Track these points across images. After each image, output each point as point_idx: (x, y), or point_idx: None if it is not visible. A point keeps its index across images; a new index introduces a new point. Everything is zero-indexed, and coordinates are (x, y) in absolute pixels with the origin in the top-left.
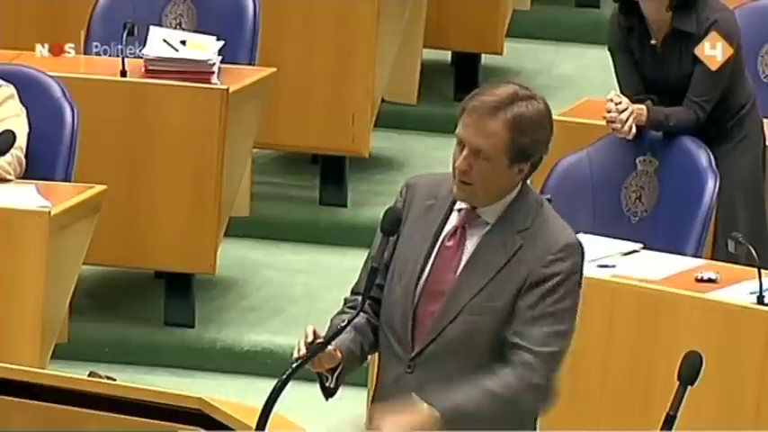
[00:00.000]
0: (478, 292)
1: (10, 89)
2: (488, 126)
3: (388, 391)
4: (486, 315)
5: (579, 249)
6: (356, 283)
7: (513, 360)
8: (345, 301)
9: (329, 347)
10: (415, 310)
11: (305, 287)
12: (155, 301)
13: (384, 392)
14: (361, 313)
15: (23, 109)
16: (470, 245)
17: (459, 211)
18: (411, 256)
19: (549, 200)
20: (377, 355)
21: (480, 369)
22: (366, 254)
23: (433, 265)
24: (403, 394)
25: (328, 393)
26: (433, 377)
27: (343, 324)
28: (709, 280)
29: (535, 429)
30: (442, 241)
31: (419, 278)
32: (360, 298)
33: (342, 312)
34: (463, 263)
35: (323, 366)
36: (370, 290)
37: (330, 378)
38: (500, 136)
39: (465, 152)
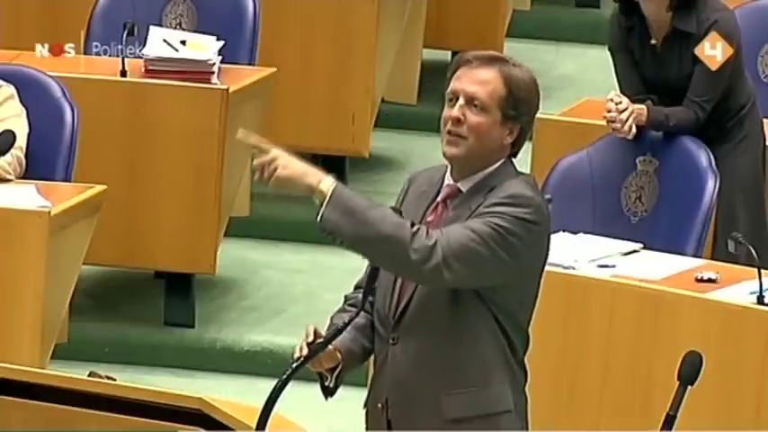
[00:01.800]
0: None
1: (10, 89)
2: (483, 74)
3: (379, 374)
4: None
5: (530, 201)
6: (361, 278)
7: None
8: (346, 298)
9: (329, 347)
10: (401, 291)
11: (305, 287)
12: (155, 301)
13: (375, 376)
14: (362, 312)
15: (23, 109)
16: (447, 215)
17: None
18: None
19: (550, 200)
20: None
21: (457, 329)
22: None
23: None
24: (394, 370)
25: (328, 393)
26: (416, 342)
27: (343, 324)
28: (710, 280)
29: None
30: (425, 218)
31: None
32: (360, 295)
33: (343, 311)
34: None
35: (323, 366)
36: (371, 287)
37: (330, 377)
38: (495, 84)
39: (459, 102)
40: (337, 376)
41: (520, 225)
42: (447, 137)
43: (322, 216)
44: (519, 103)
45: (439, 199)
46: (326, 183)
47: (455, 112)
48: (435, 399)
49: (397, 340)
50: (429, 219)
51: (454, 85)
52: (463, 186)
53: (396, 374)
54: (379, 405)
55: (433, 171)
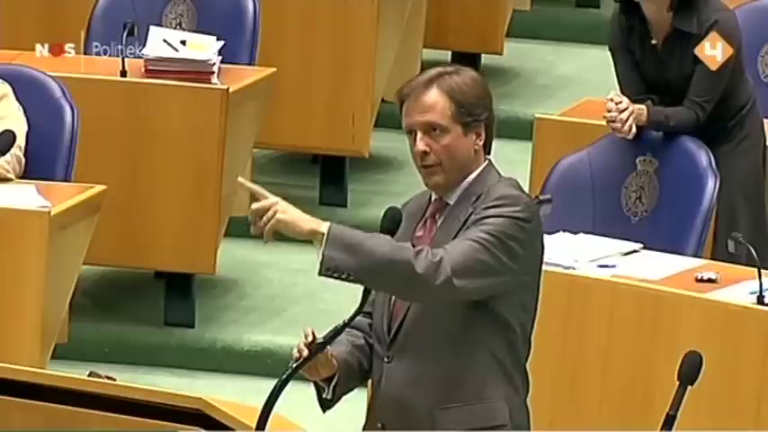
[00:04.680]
0: None
1: (6, 87)
2: (426, 100)
3: (376, 393)
4: None
5: (518, 200)
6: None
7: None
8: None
9: (327, 352)
10: (395, 309)
11: (305, 287)
12: (155, 301)
13: (373, 397)
14: (360, 333)
15: (20, 107)
16: (436, 229)
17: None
18: None
19: (550, 200)
20: None
21: (452, 343)
22: None
23: None
24: (389, 388)
25: (325, 405)
26: (410, 359)
27: (343, 323)
28: (709, 280)
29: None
30: (415, 234)
31: None
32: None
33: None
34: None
35: (319, 374)
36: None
37: (327, 389)
38: (441, 103)
39: (419, 135)
40: (334, 387)
41: (514, 226)
42: (423, 170)
43: (323, 255)
44: (472, 108)
45: (427, 215)
46: (324, 225)
47: (420, 146)
48: (429, 415)
49: (391, 359)
50: (419, 234)
51: (406, 121)
52: (449, 199)
53: (390, 393)
54: (380, 425)
55: (421, 195)
